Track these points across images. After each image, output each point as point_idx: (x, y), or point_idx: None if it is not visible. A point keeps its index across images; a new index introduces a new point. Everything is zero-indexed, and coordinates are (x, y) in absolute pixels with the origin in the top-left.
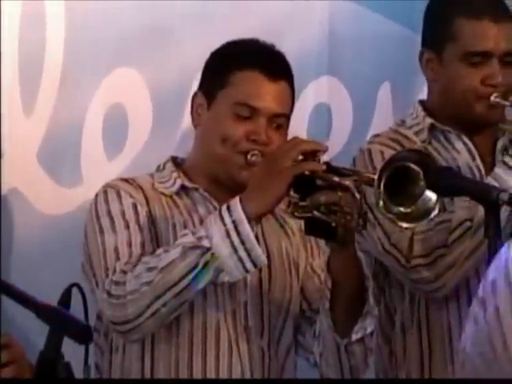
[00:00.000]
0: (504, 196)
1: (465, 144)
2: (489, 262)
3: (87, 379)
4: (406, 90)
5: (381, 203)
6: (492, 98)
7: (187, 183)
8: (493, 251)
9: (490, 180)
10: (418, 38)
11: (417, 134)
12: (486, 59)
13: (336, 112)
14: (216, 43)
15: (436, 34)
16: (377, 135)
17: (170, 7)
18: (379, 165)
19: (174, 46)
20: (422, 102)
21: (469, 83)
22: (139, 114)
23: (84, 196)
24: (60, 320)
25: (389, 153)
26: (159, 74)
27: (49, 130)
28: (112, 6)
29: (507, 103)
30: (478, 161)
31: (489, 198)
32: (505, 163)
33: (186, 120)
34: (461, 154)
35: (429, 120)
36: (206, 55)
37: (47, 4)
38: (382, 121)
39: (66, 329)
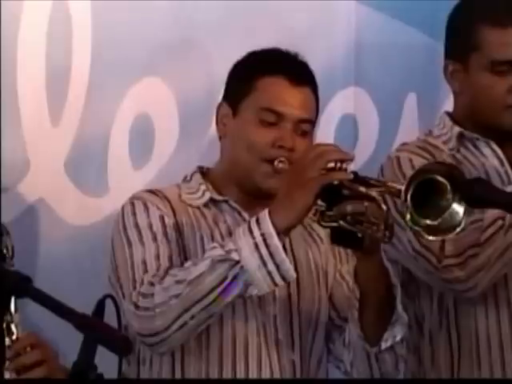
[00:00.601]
0: None
1: (493, 150)
2: None
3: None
4: (431, 101)
5: (408, 216)
6: None
7: (216, 196)
8: None
9: None
10: (441, 47)
11: (445, 142)
12: None
13: (362, 123)
14: (238, 54)
15: (460, 45)
16: (405, 144)
17: (196, 19)
18: (408, 172)
19: (200, 57)
20: (448, 113)
21: (496, 92)
22: (165, 125)
23: (110, 206)
24: (99, 332)
25: (417, 160)
26: (185, 85)
27: (75, 141)
28: (138, 17)
29: None
30: (507, 166)
31: None
32: None
33: (213, 131)
34: (489, 159)
35: (457, 129)
36: (229, 66)
37: (74, 16)
38: (407, 131)
39: (106, 341)
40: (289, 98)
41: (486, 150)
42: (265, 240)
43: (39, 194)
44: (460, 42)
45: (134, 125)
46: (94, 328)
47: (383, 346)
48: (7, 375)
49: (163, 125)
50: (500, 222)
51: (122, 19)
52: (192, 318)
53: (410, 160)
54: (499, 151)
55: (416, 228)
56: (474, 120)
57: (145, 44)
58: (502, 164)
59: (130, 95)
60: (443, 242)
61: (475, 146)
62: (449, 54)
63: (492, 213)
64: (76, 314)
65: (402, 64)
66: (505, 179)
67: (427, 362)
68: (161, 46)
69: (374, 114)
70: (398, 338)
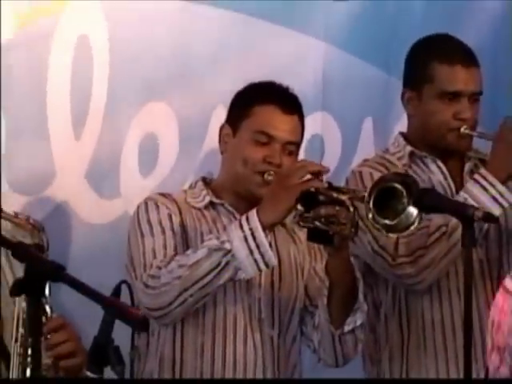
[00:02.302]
0: (479, 213)
1: (438, 167)
2: (465, 266)
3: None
4: (384, 124)
5: (370, 216)
6: (462, 130)
7: (214, 199)
8: (468, 258)
9: (462, 194)
10: (393, 80)
11: (399, 159)
12: (457, 98)
13: (327, 141)
14: (230, 82)
15: (416, 77)
16: (366, 160)
17: (193, 53)
18: (368, 184)
19: (196, 84)
20: (402, 134)
21: (443, 117)
22: (168, 141)
23: (122, 208)
24: (123, 311)
25: (376, 174)
26: (184, 108)
27: (94, 154)
28: (146, 53)
29: (474, 134)
30: (450, 180)
31: (466, 215)
32: (474, 179)
33: (206, 146)
34: (435, 174)
35: (409, 148)
36: (223, 92)
37: (94, 53)
38: (365, 149)
39: (128, 320)
40: (279, 124)
41: (433, 167)
42: (252, 234)
43: (63, 198)
44: (416, 74)
45: (142, 141)
46: (118, 308)
47: (346, 329)
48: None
49: (166, 141)
50: (444, 229)
51: (134, 55)
52: (191, 296)
53: (371, 174)
54: (443, 168)
55: (377, 226)
56: (423, 140)
57: (151, 74)
58: (446, 178)
59: (139, 117)
60: (397, 243)
61: (424, 163)
62: (406, 84)
63: (437, 220)
64: (103, 296)
65: (360, 93)
66: (448, 191)
67: (382, 340)
68: (164, 76)
69: (337, 134)
70: (359, 323)
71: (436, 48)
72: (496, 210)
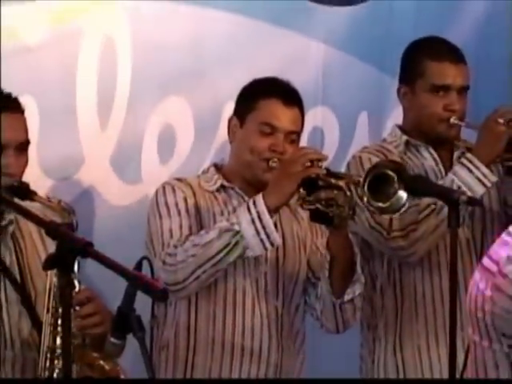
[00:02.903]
0: (463, 197)
1: (431, 154)
2: (451, 246)
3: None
4: (378, 118)
5: (365, 199)
6: (451, 120)
7: (225, 183)
8: (453, 238)
9: (450, 175)
10: (386, 78)
11: (396, 147)
12: (446, 91)
13: (327, 133)
14: (239, 79)
15: (409, 73)
16: (365, 147)
17: (208, 53)
18: (367, 167)
19: (210, 80)
20: (398, 126)
21: (434, 109)
22: (184, 132)
23: (143, 191)
24: (146, 284)
25: (374, 159)
26: (199, 102)
27: (118, 143)
28: (165, 51)
29: (462, 123)
30: (441, 166)
31: (452, 199)
32: (461, 163)
33: (218, 137)
34: (428, 161)
35: (404, 137)
36: (232, 87)
37: (119, 53)
38: (360, 139)
39: (150, 291)
40: (282, 116)
41: (426, 154)
42: (259, 216)
43: (90, 182)
44: (409, 71)
45: (160, 132)
46: (140, 280)
47: (345, 298)
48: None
49: (182, 132)
50: (433, 206)
51: (154, 55)
52: (204, 272)
53: (369, 159)
54: (435, 154)
55: (371, 209)
56: (417, 130)
57: (169, 72)
58: (437, 164)
59: (158, 110)
60: (391, 220)
61: (418, 151)
62: (401, 80)
63: (426, 200)
64: (127, 270)
65: (357, 90)
66: (438, 175)
67: (378, 309)
68: (181, 73)
69: (336, 126)
70: (357, 293)
71: (427, 47)
72: (480, 190)
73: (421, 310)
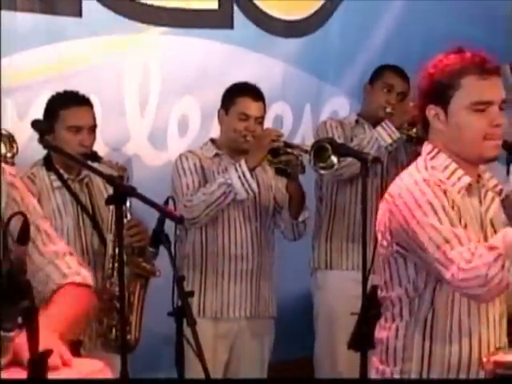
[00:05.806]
0: (369, 157)
1: None
2: (362, 192)
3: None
4: (317, 108)
5: (312, 161)
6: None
7: (219, 152)
8: (364, 186)
9: (373, 132)
10: (322, 83)
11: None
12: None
13: (285, 119)
14: (225, 87)
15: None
16: (331, 118)
17: (209, 69)
18: (329, 130)
19: (211, 86)
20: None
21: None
22: (194, 120)
23: (168, 157)
24: (171, 213)
25: (334, 124)
26: (205, 100)
27: (152, 126)
28: (182, 68)
29: None
30: None
31: (362, 158)
32: (381, 126)
33: (215, 123)
34: None
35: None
36: (221, 93)
37: (151, 64)
38: (306, 122)
39: (172, 217)
40: (252, 107)
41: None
42: (243, 173)
43: (134, 152)
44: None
45: (179, 119)
46: (166, 211)
47: (300, 219)
48: (125, 238)
49: (193, 120)
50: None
51: (174, 70)
52: (211, 210)
53: (330, 124)
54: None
55: (315, 167)
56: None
57: (185, 81)
58: None
59: (178, 104)
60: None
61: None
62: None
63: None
64: (159, 205)
65: (303, 91)
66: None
67: (324, 216)
68: (192, 82)
69: (290, 115)
70: (306, 215)
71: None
72: (388, 139)
73: (346, 221)
